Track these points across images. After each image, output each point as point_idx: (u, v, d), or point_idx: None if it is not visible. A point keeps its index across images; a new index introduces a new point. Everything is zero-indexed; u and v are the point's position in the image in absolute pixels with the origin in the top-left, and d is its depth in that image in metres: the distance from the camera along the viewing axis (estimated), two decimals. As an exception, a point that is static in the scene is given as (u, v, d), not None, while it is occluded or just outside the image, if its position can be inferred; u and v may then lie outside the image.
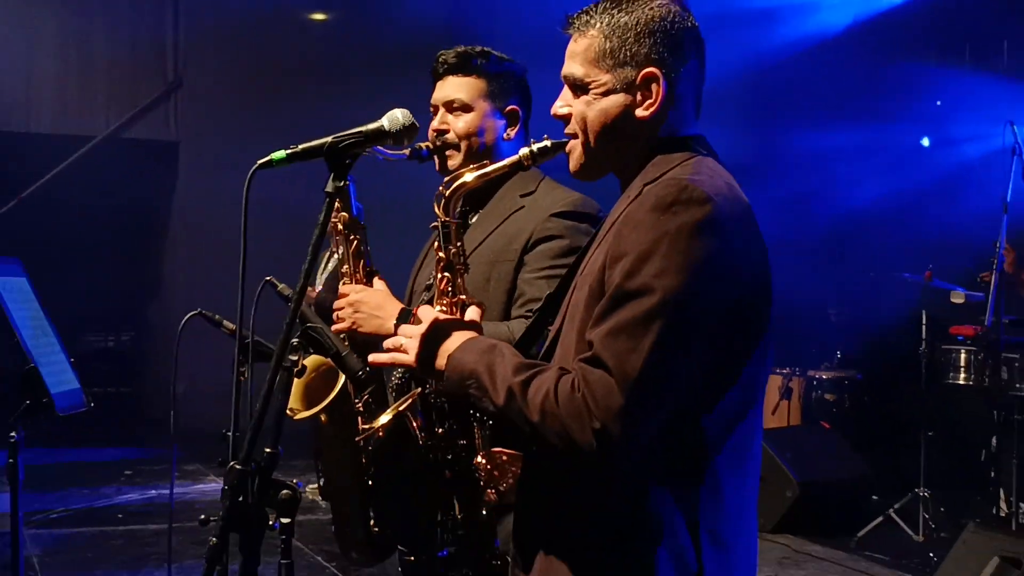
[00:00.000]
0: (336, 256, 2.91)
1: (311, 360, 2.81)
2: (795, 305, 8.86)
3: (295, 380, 2.80)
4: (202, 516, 2.13)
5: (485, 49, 2.99)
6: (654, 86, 2.08)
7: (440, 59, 2.97)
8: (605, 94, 2.10)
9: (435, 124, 2.94)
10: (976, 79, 9.46)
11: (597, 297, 1.98)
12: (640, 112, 2.09)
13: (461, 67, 2.95)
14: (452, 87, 2.94)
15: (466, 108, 2.91)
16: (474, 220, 2.93)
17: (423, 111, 2.78)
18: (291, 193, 7.48)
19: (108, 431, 9.71)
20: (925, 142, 10.20)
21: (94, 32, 11.02)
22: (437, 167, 2.91)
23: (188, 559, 6.37)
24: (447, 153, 2.91)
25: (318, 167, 2.23)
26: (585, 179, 2.19)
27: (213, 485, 8.60)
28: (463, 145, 2.91)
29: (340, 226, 2.77)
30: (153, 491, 8.68)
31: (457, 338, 2.09)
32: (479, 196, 2.91)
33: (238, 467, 2.06)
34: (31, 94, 10.91)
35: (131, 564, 6.60)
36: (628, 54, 2.08)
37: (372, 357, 2.22)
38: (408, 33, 10.17)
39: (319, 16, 11.87)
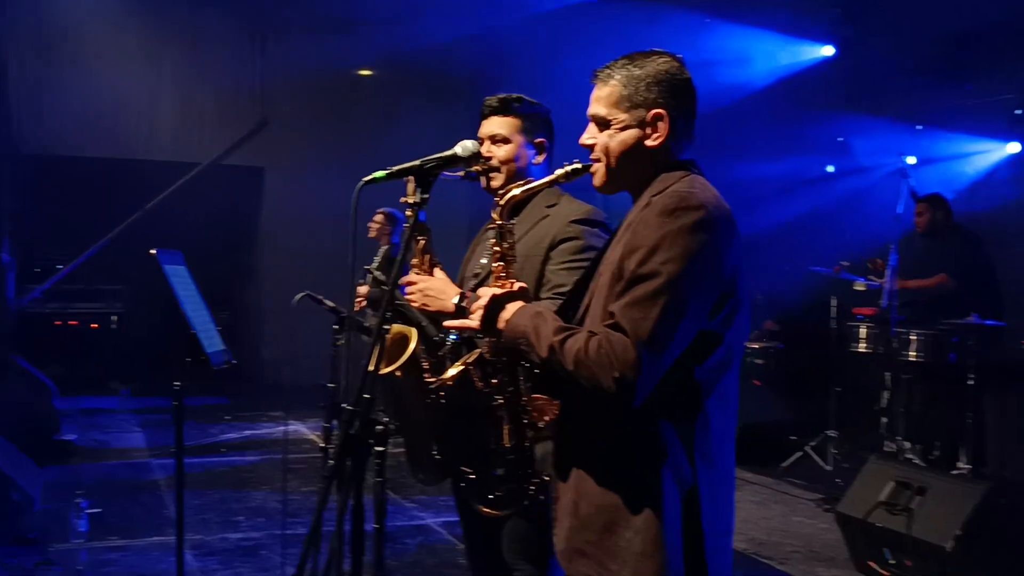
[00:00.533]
0: (379, 254, 2.92)
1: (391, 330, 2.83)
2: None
3: (397, 338, 2.83)
4: (320, 445, 2.15)
5: (520, 96, 3.00)
6: (660, 123, 2.10)
7: (486, 103, 2.97)
8: (623, 129, 2.12)
9: (482, 152, 2.95)
10: (872, 120, 9.44)
11: (617, 280, 2.01)
12: (650, 143, 2.11)
13: (502, 109, 2.95)
14: (495, 124, 2.93)
15: (505, 140, 2.91)
16: (514, 224, 2.94)
17: (449, 142, 2.78)
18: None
19: (213, 387, 9.73)
20: (830, 168, 10.18)
21: (202, 79, 11.01)
22: (483, 185, 2.91)
23: (276, 483, 6.40)
24: (491, 175, 2.92)
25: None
26: (606, 193, 2.21)
27: (293, 426, 8.62)
28: (503, 169, 2.91)
29: (410, 228, 2.78)
30: (247, 431, 8.69)
31: (511, 307, 2.11)
32: (517, 207, 2.92)
33: (350, 408, 2.07)
34: (152, 128, 10.90)
35: (235, 487, 6.62)
36: (641, 99, 2.10)
37: (448, 323, 2.23)
38: (435, 81, 10.20)
39: (366, 72, 11.87)
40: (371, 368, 2.24)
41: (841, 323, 7.12)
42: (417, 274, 2.78)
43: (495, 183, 2.90)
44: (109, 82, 10.42)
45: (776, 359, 8.43)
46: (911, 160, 8.79)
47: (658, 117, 2.10)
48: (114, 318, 10.79)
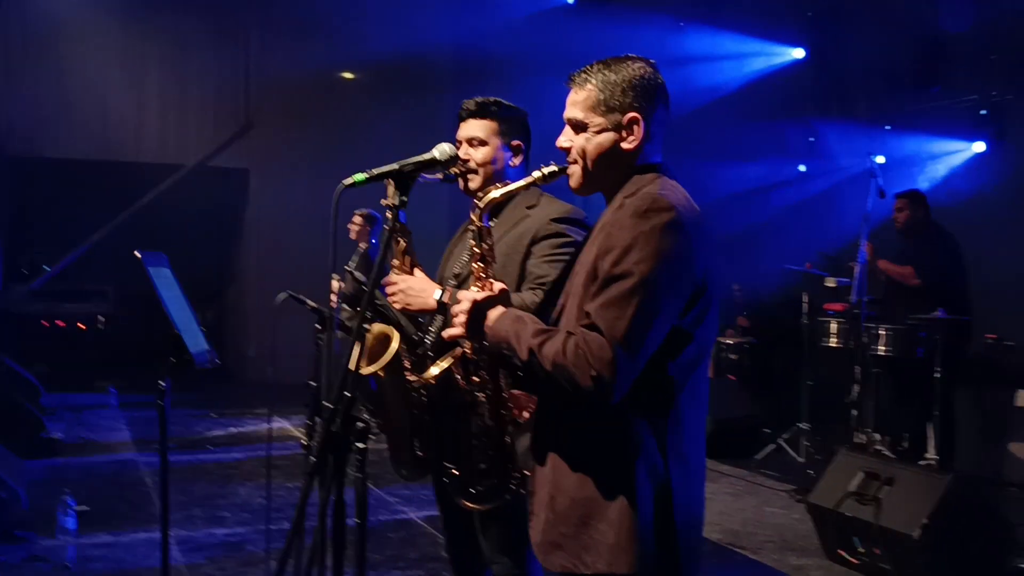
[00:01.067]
0: (358, 254, 2.91)
1: (372, 331, 2.83)
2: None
3: (377, 339, 2.82)
4: (302, 442, 2.15)
5: (497, 99, 3.00)
6: (635, 127, 2.11)
7: (464, 106, 2.97)
8: (599, 132, 2.12)
9: (460, 155, 2.94)
10: (842, 121, 9.50)
11: (592, 280, 2.01)
12: (625, 145, 2.12)
13: (479, 112, 2.94)
14: (473, 128, 2.93)
15: (483, 143, 2.90)
16: (492, 225, 2.94)
17: (432, 144, 2.78)
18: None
19: (198, 385, 9.69)
20: (802, 168, 10.24)
21: (187, 84, 10.96)
22: (461, 187, 2.91)
23: (260, 479, 6.37)
24: (469, 176, 2.91)
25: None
26: (582, 194, 2.22)
27: (278, 423, 8.59)
28: (481, 171, 2.90)
29: (393, 231, 2.77)
30: (232, 427, 8.65)
31: (493, 313, 2.12)
32: (497, 208, 2.92)
33: (330, 406, 2.07)
34: (139, 131, 10.84)
35: (221, 482, 6.59)
36: (617, 103, 2.11)
37: (445, 333, 2.22)
38: (418, 84, 10.18)
39: (355, 75, 11.82)
40: (352, 367, 2.24)
41: (812, 319, 7.15)
42: (396, 274, 2.78)
43: (473, 185, 2.90)
44: (96, 85, 10.35)
45: (750, 354, 8.48)
46: (880, 160, 8.87)
47: (633, 121, 2.10)
48: (101, 318, 10.72)
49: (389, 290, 2.77)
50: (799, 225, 9.17)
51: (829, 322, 6.84)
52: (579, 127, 2.14)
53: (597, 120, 2.12)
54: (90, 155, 10.52)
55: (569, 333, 1.97)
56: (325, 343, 2.51)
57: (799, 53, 9.89)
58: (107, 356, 10.24)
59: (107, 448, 7.58)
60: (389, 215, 2.20)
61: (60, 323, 10.55)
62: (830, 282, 6.95)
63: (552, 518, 2.08)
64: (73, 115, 10.33)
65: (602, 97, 2.11)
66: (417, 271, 2.79)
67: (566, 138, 2.17)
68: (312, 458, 1.98)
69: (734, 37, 9.69)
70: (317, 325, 2.83)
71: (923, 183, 8.86)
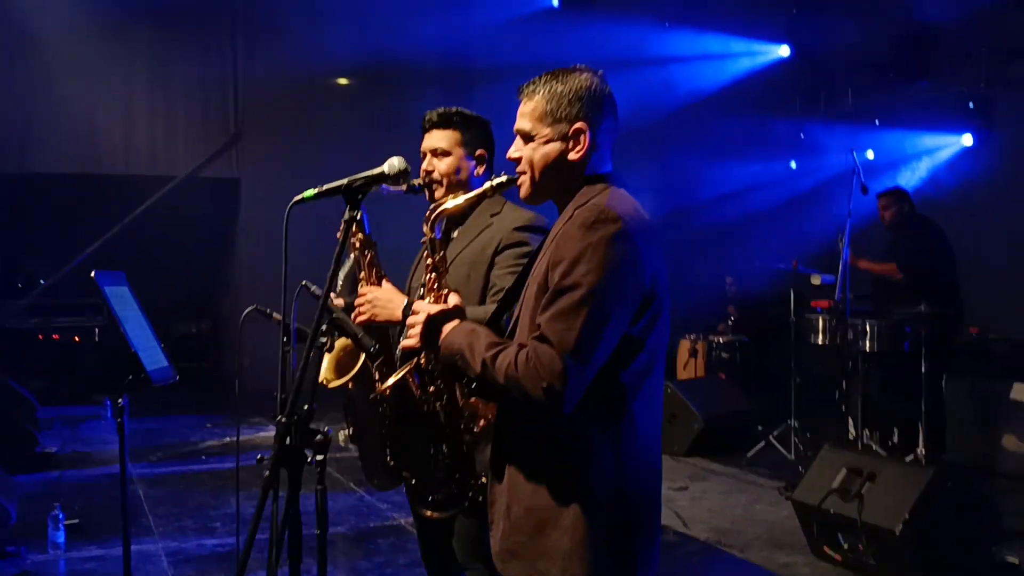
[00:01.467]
0: (348, 263, 2.93)
1: (340, 342, 2.85)
2: (700, 286, 8.96)
3: (328, 356, 2.85)
4: (258, 456, 2.17)
5: (460, 109, 3.02)
6: (582, 137, 2.13)
7: (427, 117, 3.00)
8: (547, 142, 2.15)
9: (424, 166, 2.97)
10: (831, 118, 9.53)
11: (543, 292, 2.04)
12: (572, 156, 2.14)
13: (442, 123, 2.97)
14: (436, 138, 2.96)
15: (446, 153, 2.94)
16: (456, 235, 2.97)
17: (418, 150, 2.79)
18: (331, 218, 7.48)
19: (193, 395, 9.73)
20: (793, 165, 10.27)
21: (174, 95, 10.96)
22: (427, 197, 2.94)
23: (254, 487, 6.38)
24: (434, 187, 2.95)
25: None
26: (532, 204, 2.25)
27: (271, 431, 8.60)
28: (445, 181, 2.93)
29: (358, 243, 2.79)
30: (228, 437, 8.67)
31: (448, 326, 2.14)
32: (461, 217, 2.95)
33: (283, 420, 2.09)
34: (128, 144, 10.83)
35: (214, 492, 6.61)
36: (564, 113, 2.13)
37: (402, 344, 2.25)
38: (406, 91, 10.20)
39: (343, 81, 11.83)
40: (321, 380, 2.26)
41: (799, 316, 7.17)
42: (364, 286, 2.80)
43: (438, 194, 2.92)
44: (83, 99, 10.37)
45: (741, 352, 8.51)
46: (870, 155, 8.90)
47: (580, 131, 2.13)
48: (96, 331, 10.75)
49: (357, 301, 2.80)
50: (788, 221, 9.19)
51: (816, 319, 6.87)
52: (527, 138, 2.17)
53: (544, 131, 2.14)
54: (80, 169, 10.53)
55: (521, 345, 2.00)
56: (286, 356, 2.52)
57: (784, 51, 9.91)
58: (102, 369, 10.27)
59: (101, 461, 7.60)
60: (339, 233, 2.23)
61: (55, 336, 10.58)
62: (815, 280, 6.98)
63: (508, 527, 2.11)
64: (61, 130, 10.34)
65: (549, 108, 2.14)
66: (385, 283, 2.81)
67: (515, 149, 2.20)
68: (266, 472, 1.99)
69: (719, 37, 9.71)
70: (284, 338, 2.85)
71: (911, 177, 8.89)
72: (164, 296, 9.83)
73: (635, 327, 2.03)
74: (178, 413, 9.41)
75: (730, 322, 8.85)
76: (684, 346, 8.72)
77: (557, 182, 2.16)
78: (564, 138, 2.13)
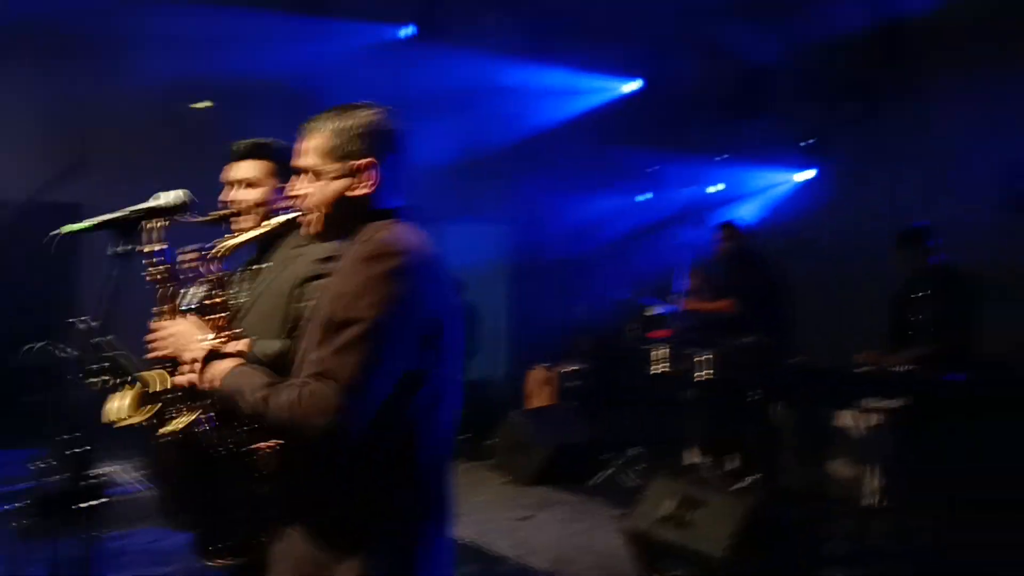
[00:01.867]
0: (188, 293, 2.82)
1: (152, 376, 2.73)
2: (550, 316, 9.07)
3: (129, 392, 2.72)
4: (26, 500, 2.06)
5: (273, 139, 2.95)
6: (367, 173, 2.13)
7: (234, 148, 2.91)
8: (333, 179, 2.13)
9: (228, 197, 2.88)
10: (679, 152, 9.79)
11: (323, 326, 2.01)
12: (358, 191, 2.13)
13: (251, 153, 2.90)
14: (243, 169, 2.88)
15: (253, 184, 2.87)
16: (265, 266, 2.90)
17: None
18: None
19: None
20: (640, 197, 10.50)
21: (20, 119, 10.48)
22: (226, 229, 2.85)
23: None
24: (241, 219, 2.86)
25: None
26: (321, 241, 2.23)
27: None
28: (254, 212, 2.86)
29: (159, 276, 2.69)
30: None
31: (225, 364, 2.10)
32: (268, 249, 2.88)
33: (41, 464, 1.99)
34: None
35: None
36: (349, 149, 2.13)
37: (175, 380, 2.19)
38: (258, 121, 9.99)
39: (196, 106, 11.53)
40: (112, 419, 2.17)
41: (639, 346, 7.32)
42: (160, 321, 2.70)
43: (244, 226, 2.84)
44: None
45: (590, 381, 8.62)
46: (713, 189, 9.23)
47: (365, 167, 2.12)
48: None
49: (152, 337, 2.69)
50: (636, 252, 9.41)
51: (654, 348, 7.03)
52: (313, 174, 2.15)
53: (330, 167, 2.13)
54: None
55: (298, 383, 1.96)
56: (58, 395, 2.40)
57: (634, 85, 10.19)
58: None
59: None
60: (155, 261, 2.14)
61: None
62: (650, 310, 7.15)
63: (285, 569, 2.06)
64: None
65: (333, 144, 2.13)
66: (190, 316, 2.72)
67: (300, 186, 2.17)
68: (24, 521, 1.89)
69: (571, 71, 9.91)
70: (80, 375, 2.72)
71: (752, 212, 9.25)
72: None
73: (418, 361, 2.02)
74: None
75: (579, 352, 8.98)
76: (534, 376, 8.81)
77: (344, 218, 2.15)
78: (350, 174, 2.13)
